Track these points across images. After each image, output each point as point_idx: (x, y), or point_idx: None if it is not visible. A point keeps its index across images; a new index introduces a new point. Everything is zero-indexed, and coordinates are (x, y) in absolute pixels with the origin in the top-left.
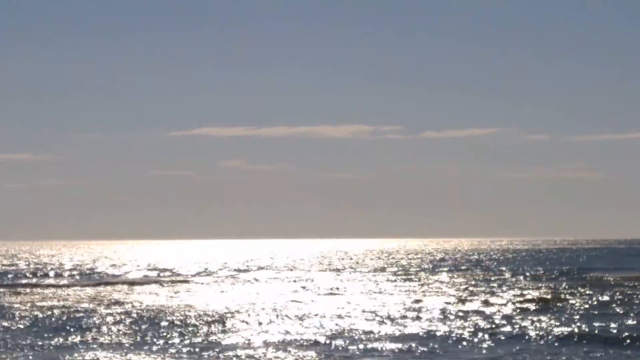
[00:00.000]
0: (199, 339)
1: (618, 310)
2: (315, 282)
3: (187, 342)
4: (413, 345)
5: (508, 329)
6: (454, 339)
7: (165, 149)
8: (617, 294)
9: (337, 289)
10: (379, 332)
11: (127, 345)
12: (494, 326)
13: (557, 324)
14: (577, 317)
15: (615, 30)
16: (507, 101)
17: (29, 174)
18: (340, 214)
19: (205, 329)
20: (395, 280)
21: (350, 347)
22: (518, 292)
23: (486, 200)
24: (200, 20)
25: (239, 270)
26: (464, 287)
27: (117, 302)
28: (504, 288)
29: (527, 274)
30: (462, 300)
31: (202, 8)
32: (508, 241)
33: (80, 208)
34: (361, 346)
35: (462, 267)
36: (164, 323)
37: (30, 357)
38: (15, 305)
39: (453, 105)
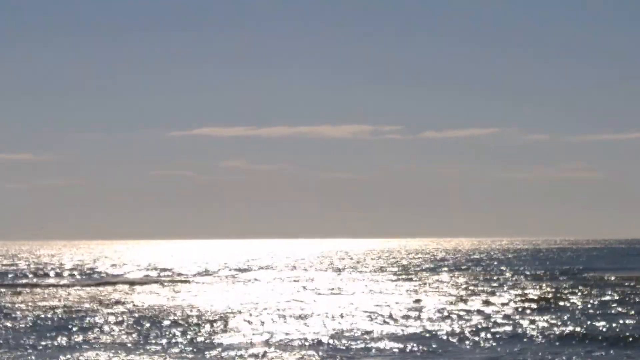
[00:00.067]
0: (200, 339)
1: (618, 310)
2: (315, 282)
3: (188, 342)
4: (413, 345)
5: (508, 328)
6: (455, 338)
7: (165, 149)
8: (617, 294)
9: (338, 288)
10: (380, 331)
11: (128, 345)
12: (494, 326)
13: (558, 323)
14: (577, 317)
15: (615, 30)
16: (507, 101)
17: (29, 174)
18: (340, 214)
19: (206, 328)
20: (395, 280)
21: (351, 347)
22: (518, 291)
23: (486, 200)
24: (200, 20)
25: (240, 270)
26: (464, 286)
27: (118, 302)
28: (505, 288)
29: (528, 273)
30: (463, 300)
31: (202, 8)
32: (508, 241)
33: (80, 208)
34: (362, 346)
35: (463, 267)
36: (164, 323)
37: (32, 357)
38: (16, 305)
39: (453, 105)
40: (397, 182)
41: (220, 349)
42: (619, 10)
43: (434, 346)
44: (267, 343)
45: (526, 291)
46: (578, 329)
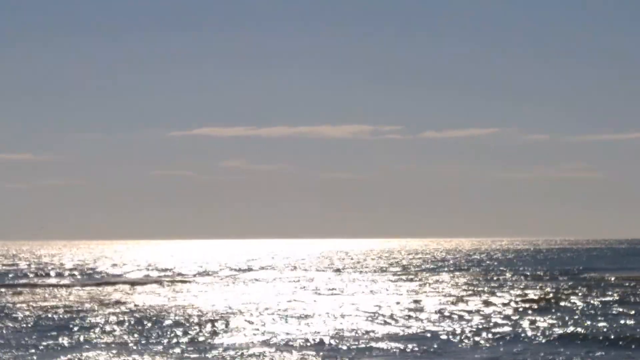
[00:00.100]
0: (201, 339)
1: (618, 310)
2: (315, 282)
3: (188, 341)
4: (413, 345)
5: (508, 329)
6: (455, 338)
7: (165, 149)
8: (617, 294)
9: (338, 288)
10: (380, 332)
11: (128, 344)
12: (494, 326)
13: (558, 324)
14: (578, 317)
15: (615, 30)
16: (507, 101)
17: (29, 174)
18: (340, 214)
19: (206, 328)
20: (395, 280)
21: (351, 347)
22: (519, 292)
23: (486, 200)
24: (200, 20)
25: (240, 270)
26: (464, 287)
27: (119, 302)
28: (505, 288)
29: (528, 274)
30: (463, 300)
31: (202, 8)
32: (508, 241)
33: (80, 208)
34: (362, 346)
35: (463, 267)
36: (165, 323)
37: (33, 357)
38: (17, 305)
39: (453, 105)
40: (397, 182)
41: (220, 349)
42: (619, 10)
43: (434, 346)
44: (267, 343)
45: (526, 291)
46: (578, 329)
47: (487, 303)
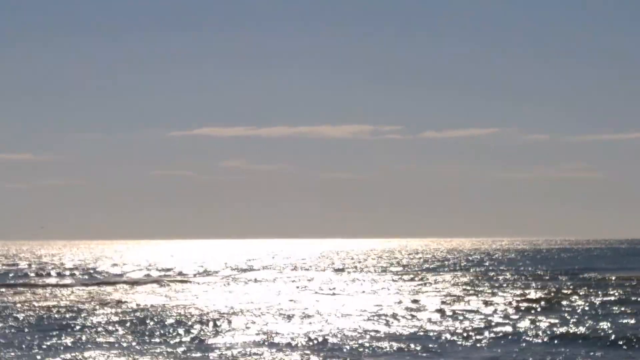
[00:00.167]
0: (201, 339)
1: (618, 310)
2: (316, 282)
3: (189, 341)
4: (413, 344)
5: (508, 328)
6: (455, 338)
7: (165, 149)
8: (618, 294)
9: (339, 288)
10: (380, 331)
11: (129, 344)
12: (494, 326)
13: (558, 323)
14: (578, 317)
15: (615, 30)
16: (507, 101)
17: (29, 174)
18: (340, 214)
19: (207, 328)
20: (396, 280)
21: (351, 347)
22: (519, 291)
23: (486, 200)
24: (200, 20)
25: (240, 270)
26: (464, 286)
27: (119, 302)
28: (505, 288)
29: (528, 274)
30: (463, 300)
31: (202, 8)
32: (508, 241)
33: (80, 208)
34: (362, 345)
35: (463, 267)
36: (165, 322)
37: (34, 357)
38: (18, 305)
39: (453, 105)
40: (397, 182)
41: (221, 349)
42: (619, 10)
43: (434, 346)
44: (268, 343)
45: (526, 291)
46: (578, 329)
47: (487, 303)
